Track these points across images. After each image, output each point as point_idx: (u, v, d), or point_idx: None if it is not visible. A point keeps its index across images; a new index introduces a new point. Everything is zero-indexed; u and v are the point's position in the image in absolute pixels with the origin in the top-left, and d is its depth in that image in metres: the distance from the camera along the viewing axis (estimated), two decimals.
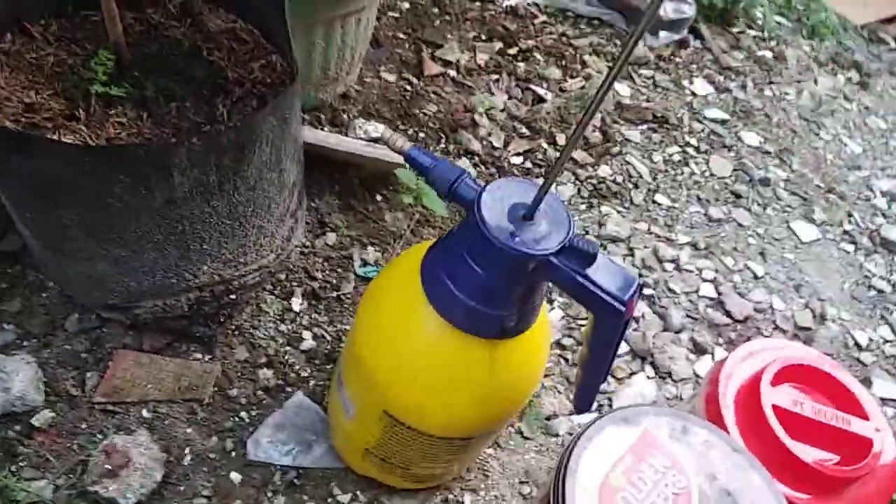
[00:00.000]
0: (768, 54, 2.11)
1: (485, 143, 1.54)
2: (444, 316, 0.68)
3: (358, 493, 0.97)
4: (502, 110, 1.62)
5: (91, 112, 0.92)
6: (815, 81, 2.07)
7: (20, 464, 0.90)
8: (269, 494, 0.94)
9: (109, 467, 0.88)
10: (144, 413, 0.98)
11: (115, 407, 0.97)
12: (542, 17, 1.99)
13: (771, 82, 2.00)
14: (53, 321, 1.04)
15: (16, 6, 0.99)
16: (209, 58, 1.04)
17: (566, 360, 1.20)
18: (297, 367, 1.07)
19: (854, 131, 1.94)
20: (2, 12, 0.98)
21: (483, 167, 1.50)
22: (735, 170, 1.66)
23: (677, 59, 1.97)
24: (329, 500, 0.95)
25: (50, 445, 0.92)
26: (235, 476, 0.95)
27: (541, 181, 0.62)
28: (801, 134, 1.85)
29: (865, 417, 0.92)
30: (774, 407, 0.90)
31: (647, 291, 1.33)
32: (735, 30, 2.16)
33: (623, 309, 0.59)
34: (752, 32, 2.19)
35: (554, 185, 1.49)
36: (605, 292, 0.58)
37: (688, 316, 1.31)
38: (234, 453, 0.97)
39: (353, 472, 0.97)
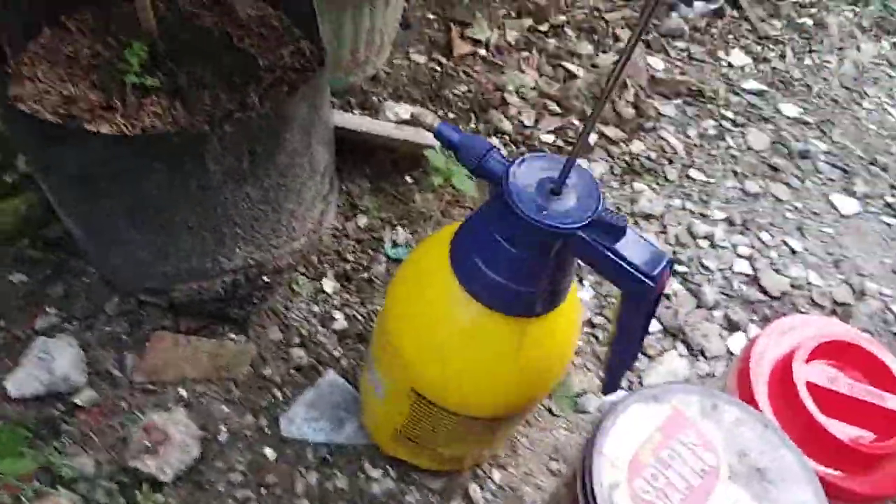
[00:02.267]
0: (809, 21, 2.04)
1: (515, 121, 1.54)
2: (471, 293, 0.68)
3: (389, 468, 0.99)
4: (533, 88, 1.61)
5: (126, 102, 0.95)
6: (858, 49, 2.00)
7: (63, 441, 0.94)
8: (303, 470, 0.97)
9: (149, 444, 0.91)
10: (182, 392, 1.01)
11: (154, 386, 1.01)
12: None
13: (811, 51, 1.93)
14: (94, 305, 1.07)
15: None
16: (239, 45, 1.06)
17: (597, 338, 1.20)
18: (330, 346, 1.10)
19: None
20: (39, 7, 1.01)
21: (514, 146, 1.50)
22: (773, 142, 1.62)
23: (713, 30, 1.92)
24: (361, 475, 0.98)
25: (92, 424, 0.96)
26: (270, 452, 0.98)
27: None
28: (842, 104, 1.79)
29: None
30: (808, 384, 0.89)
31: (680, 269, 1.31)
32: None
33: (652, 285, 0.57)
34: None
35: (584, 160, 1.48)
36: (633, 267, 0.57)
37: (722, 293, 1.30)
38: (268, 430, 1.00)
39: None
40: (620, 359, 0.69)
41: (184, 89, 0.99)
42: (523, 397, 0.79)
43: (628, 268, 0.58)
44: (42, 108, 0.92)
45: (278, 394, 1.03)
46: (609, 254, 0.58)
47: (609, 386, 0.72)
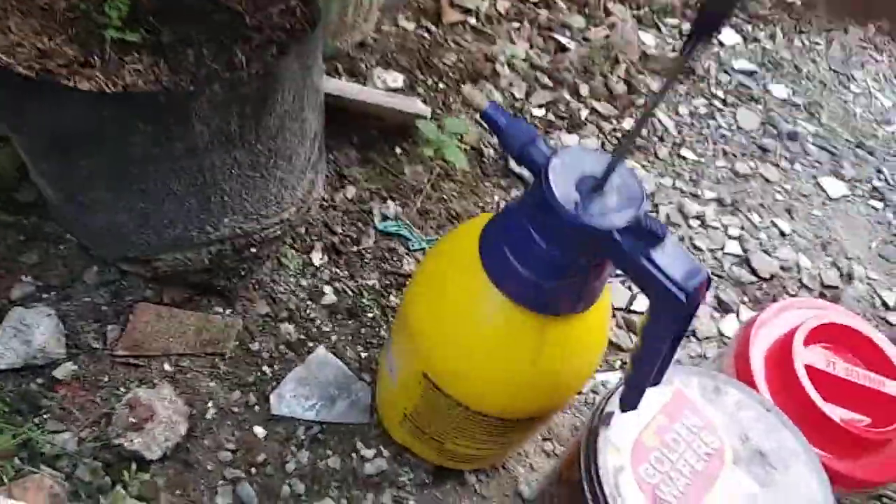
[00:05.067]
0: (798, 1, 2.03)
1: (506, 93, 1.50)
2: (496, 282, 0.64)
3: (382, 448, 0.96)
4: (524, 60, 1.57)
5: (106, 58, 0.89)
6: (846, 31, 2.00)
7: (44, 416, 0.89)
8: (294, 449, 0.94)
9: (134, 420, 0.87)
10: (166, 366, 0.97)
11: (137, 360, 0.96)
12: None
13: (801, 31, 1.93)
14: (72, 273, 1.02)
15: None
16: (226, 2, 1.00)
17: None
18: (319, 321, 1.06)
19: (884, 84, 1.88)
20: None
21: None
22: (763, 123, 1.61)
23: None
24: (353, 454, 0.95)
25: (73, 398, 0.92)
26: (259, 430, 0.94)
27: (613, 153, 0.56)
28: (830, 86, 1.79)
29: None
30: (807, 367, 0.89)
31: None
32: None
33: (683, 299, 0.52)
34: None
35: (576, 135, 1.46)
36: (667, 278, 0.52)
37: (713, 273, 1.29)
38: (257, 407, 0.96)
39: (379, 429, 0.97)
40: (641, 377, 0.63)
41: (167, 46, 0.93)
42: (536, 400, 0.75)
43: (661, 277, 0.53)
44: (14, 62, 0.85)
45: (267, 370, 0.99)
46: (643, 260, 0.54)
47: (627, 403, 0.66)
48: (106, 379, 0.94)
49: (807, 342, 0.93)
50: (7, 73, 0.80)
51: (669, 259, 0.52)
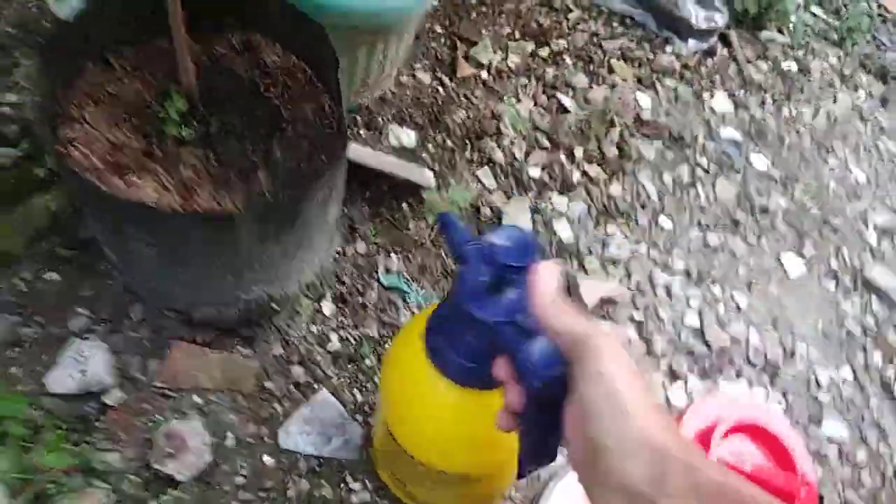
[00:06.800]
0: (793, 66, 2.15)
1: (507, 152, 1.66)
2: (429, 357, 0.81)
3: (366, 482, 1.17)
4: (528, 119, 1.73)
5: (165, 151, 1.06)
6: (835, 99, 2.13)
7: (96, 436, 1.10)
8: (295, 478, 1.14)
9: (170, 450, 1.08)
10: (196, 399, 1.17)
11: (172, 392, 1.16)
12: (577, 12, 2.05)
13: (790, 99, 2.06)
14: (121, 309, 1.21)
15: (96, 34, 1.10)
16: (265, 94, 1.17)
17: None
18: (324, 365, 1.26)
19: (863, 155, 2.02)
20: (83, 41, 1.09)
21: (502, 177, 1.62)
22: (739, 195, 1.77)
23: (703, 69, 2.03)
24: (342, 485, 1.15)
25: (120, 422, 1.12)
26: (268, 460, 1.15)
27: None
28: (809, 159, 1.93)
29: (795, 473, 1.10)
30: (719, 460, 1.08)
31: (637, 317, 1.48)
32: (764, 37, 2.20)
33: (538, 385, 0.59)
34: (781, 39, 2.22)
35: (566, 197, 1.61)
36: (528, 367, 0.59)
37: (669, 342, 1.47)
38: (267, 440, 1.16)
39: (367, 464, 1.17)
40: (522, 451, 0.68)
41: (214, 137, 1.10)
42: (463, 459, 0.91)
43: (525, 366, 0.60)
44: (91, 155, 1.02)
45: (278, 407, 1.19)
46: (516, 350, 0.61)
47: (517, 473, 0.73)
48: (147, 407, 1.14)
49: (731, 431, 1.12)
50: (89, 184, 0.95)
51: (536, 353, 0.60)
